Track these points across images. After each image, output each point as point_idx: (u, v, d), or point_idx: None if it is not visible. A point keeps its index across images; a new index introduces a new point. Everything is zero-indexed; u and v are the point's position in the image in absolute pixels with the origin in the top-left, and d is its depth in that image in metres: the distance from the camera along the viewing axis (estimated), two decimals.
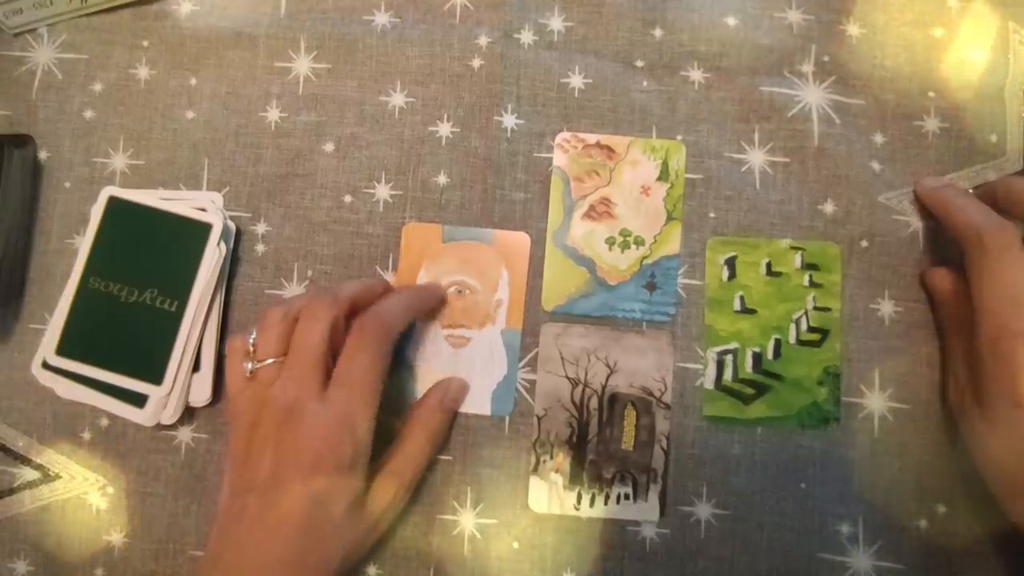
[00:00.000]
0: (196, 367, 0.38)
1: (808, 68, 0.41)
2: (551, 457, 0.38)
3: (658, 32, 0.42)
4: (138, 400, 0.38)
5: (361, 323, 0.35)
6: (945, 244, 0.39)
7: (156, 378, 0.37)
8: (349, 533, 0.33)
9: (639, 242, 0.40)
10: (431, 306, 0.40)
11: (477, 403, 0.39)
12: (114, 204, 0.39)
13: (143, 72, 0.43)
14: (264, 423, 0.33)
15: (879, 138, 0.41)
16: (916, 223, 0.40)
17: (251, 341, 0.35)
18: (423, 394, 0.39)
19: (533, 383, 0.39)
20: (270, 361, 0.34)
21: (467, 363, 0.39)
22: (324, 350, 0.34)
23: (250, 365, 0.35)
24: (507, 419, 0.39)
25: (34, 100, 0.43)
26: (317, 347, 0.34)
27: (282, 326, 0.35)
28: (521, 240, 0.40)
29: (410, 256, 0.41)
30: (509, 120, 0.41)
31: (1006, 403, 0.33)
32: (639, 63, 0.42)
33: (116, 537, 0.39)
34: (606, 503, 0.38)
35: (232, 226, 0.40)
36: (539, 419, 0.39)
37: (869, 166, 0.40)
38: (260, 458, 0.33)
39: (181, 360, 0.38)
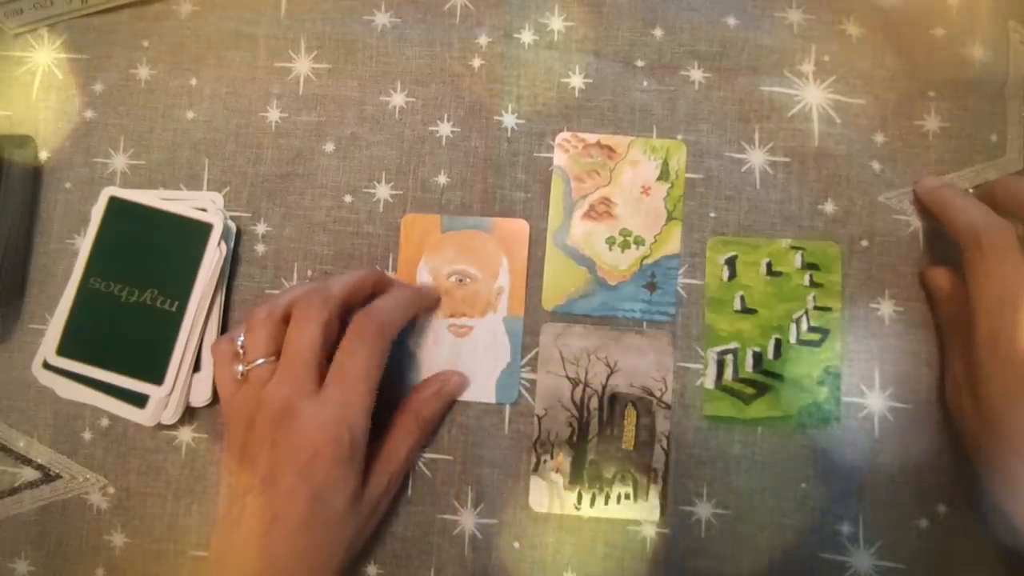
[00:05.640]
0: (197, 367, 0.38)
1: (808, 68, 0.41)
2: (551, 457, 0.38)
3: (658, 32, 0.42)
4: (139, 400, 0.38)
5: (359, 321, 0.35)
6: (945, 244, 0.39)
7: (157, 378, 0.37)
8: (351, 525, 0.34)
9: (639, 242, 0.40)
10: (428, 307, 0.40)
11: (481, 391, 0.39)
12: (114, 204, 0.39)
13: (143, 72, 0.43)
14: (259, 424, 0.33)
15: (879, 138, 0.41)
16: (916, 223, 0.40)
17: (239, 343, 0.35)
18: (421, 382, 0.39)
19: (533, 383, 0.39)
20: (260, 361, 0.34)
21: (470, 352, 0.39)
22: (318, 351, 0.34)
23: (241, 367, 0.35)
24: (507, 419, 0.39)
25: (34, 100, 0.43)
26: (310, 348, 0.34)
27: (268, 325, 0.35)
28: (520, 227, 0.40)
29: (409, 247, 0.41)
30: (509, 120, 0.42)
31: (1003, 402, 0.33)
32: (639, 63, 0.42)
33: (117, 537, 0.39)
34: (606, 503, 0.38)
35: (232, 226, 0.40)
36: (539, 419, 0.39)
37: (869, 166, 0.40)
38: (256, 459, 0.33)
39: (182, 360, 0.38)
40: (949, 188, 0.38)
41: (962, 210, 0.36)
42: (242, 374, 0.34)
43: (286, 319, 0.35)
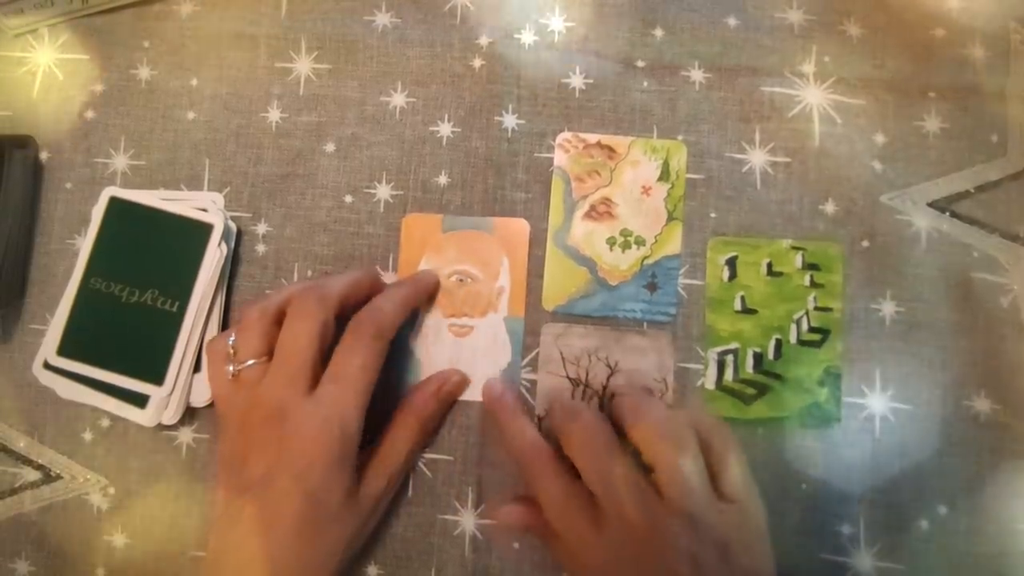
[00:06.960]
0: (197, 367, 0.38)
1: (809, 68, 0.41)
2: None
3: (659, 32, 0.42)
4: (139, 400, 0.38)
5: (358, 321, 0.35)
6: (947, 245, 0.39)
7: (157, 378, 0.37)
8: (347, 525, 0.33)
9: (640, 242, 0.40)
10: (427, 294, 0.39)
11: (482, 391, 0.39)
12: (115, 204, 0.39)
13: (144, 73, 0.43)
14: (253, 425, 0.33)
15: (880, 138, 0.41)
16: (918, 223, 0.40)
17: (230, 343, 0.35)
18: (421, 382, 0.39)
19: (534, 383, 0.39)
20: (251, 362, 0.34)
21: (471, 352, 0.39)
22: (314, 352, 0.34)
23: (232, 367, 0.34)
24: None
25: (35, 100, 0.43)
26: (306, 348, 0.33)
27: (260, 324, 0.35)
28: (520, 227, 0.40)
29: (411, 247, 0.41)
30: (510, 120, 0.41)
31: None
32: (640, 63, 0.42)
33: (117, 537, 0.39)
34: None
35: (233, 226, 0.40)
36: (540, 419, 0.39)
37: (870, 166, 0.40)
38: (251, 460, 0.33)
39: (182, 360, 0.38)
40: (507, 405, 0.37)
41: (513, 435, 0.36)
42: (233, 374, 0.34)
43: (279, 319, 0.35)
